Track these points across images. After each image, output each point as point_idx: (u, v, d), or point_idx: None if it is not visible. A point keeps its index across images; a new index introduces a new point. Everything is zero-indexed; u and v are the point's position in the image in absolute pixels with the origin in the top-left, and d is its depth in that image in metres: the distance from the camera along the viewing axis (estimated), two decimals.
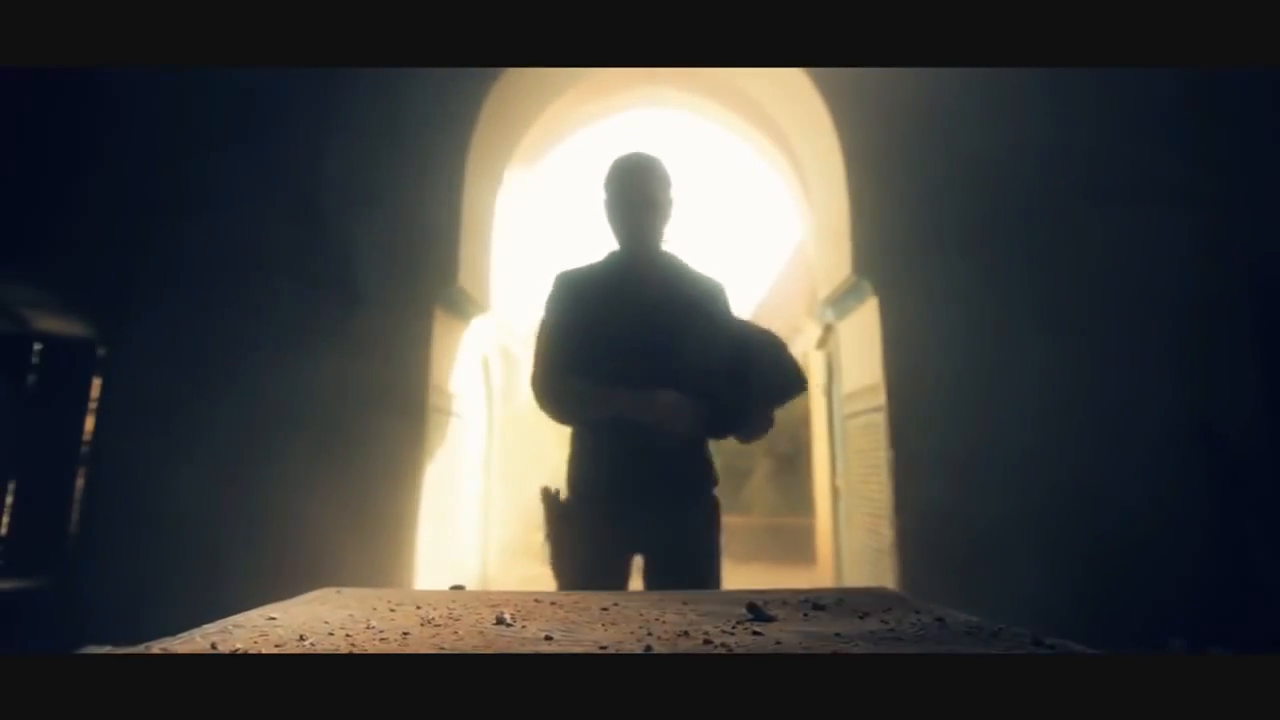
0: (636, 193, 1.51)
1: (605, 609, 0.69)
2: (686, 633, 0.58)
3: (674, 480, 1.47)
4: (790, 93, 3.35)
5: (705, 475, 1.53)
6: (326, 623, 0.60)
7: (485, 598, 0.78)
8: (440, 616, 0.64)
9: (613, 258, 1.59)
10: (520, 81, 3.31)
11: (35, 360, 3.33)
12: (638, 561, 1.51)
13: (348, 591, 0.79)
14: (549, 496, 1.47)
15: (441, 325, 3.11)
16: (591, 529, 1.43)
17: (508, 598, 0.76)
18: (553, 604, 0.71)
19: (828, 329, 4.07)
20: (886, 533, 2.83)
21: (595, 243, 1.84)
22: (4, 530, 3.17)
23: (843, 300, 3.31)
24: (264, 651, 0.52)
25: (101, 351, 3.05)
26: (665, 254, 1.59)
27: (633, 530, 1.45)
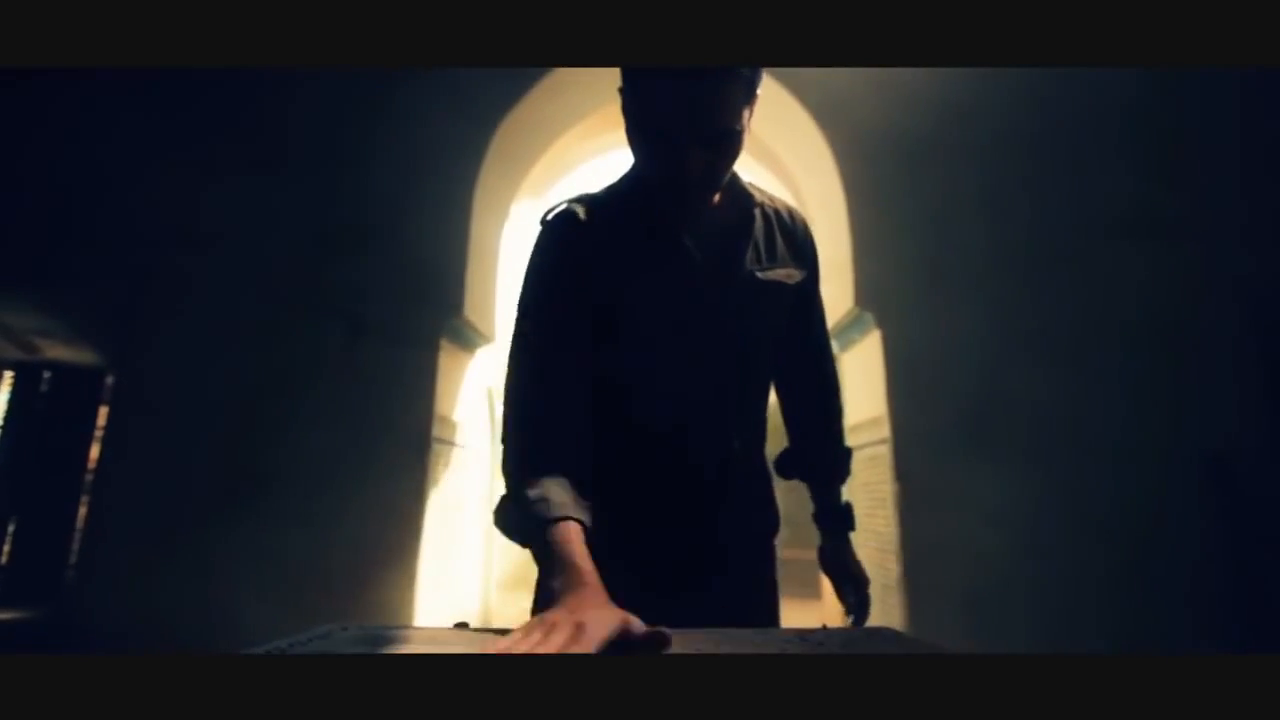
0: (688, 124, 0.79)
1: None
2: None
3: (727, 530, 0.95)
4: (790, 126, 3.41)
5: (770, 522, 1.04)
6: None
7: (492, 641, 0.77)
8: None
9: (636, 184, 0.95)
10: (528, 115, 3.38)
11: (44, 388, 3.35)
12: None
13: (354, 629, 0.78)
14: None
15: (447, 357, 3.13)
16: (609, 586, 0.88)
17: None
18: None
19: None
20: (893, 567, 2.80)
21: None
22: (4, 559, 3.16)
23: (845, 332, 3.33)
24: None
25: (109, 380, 3.08)
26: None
27: (663, 593, 0.85)
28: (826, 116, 3.16)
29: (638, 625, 0.61)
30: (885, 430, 2.89)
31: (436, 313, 3.06)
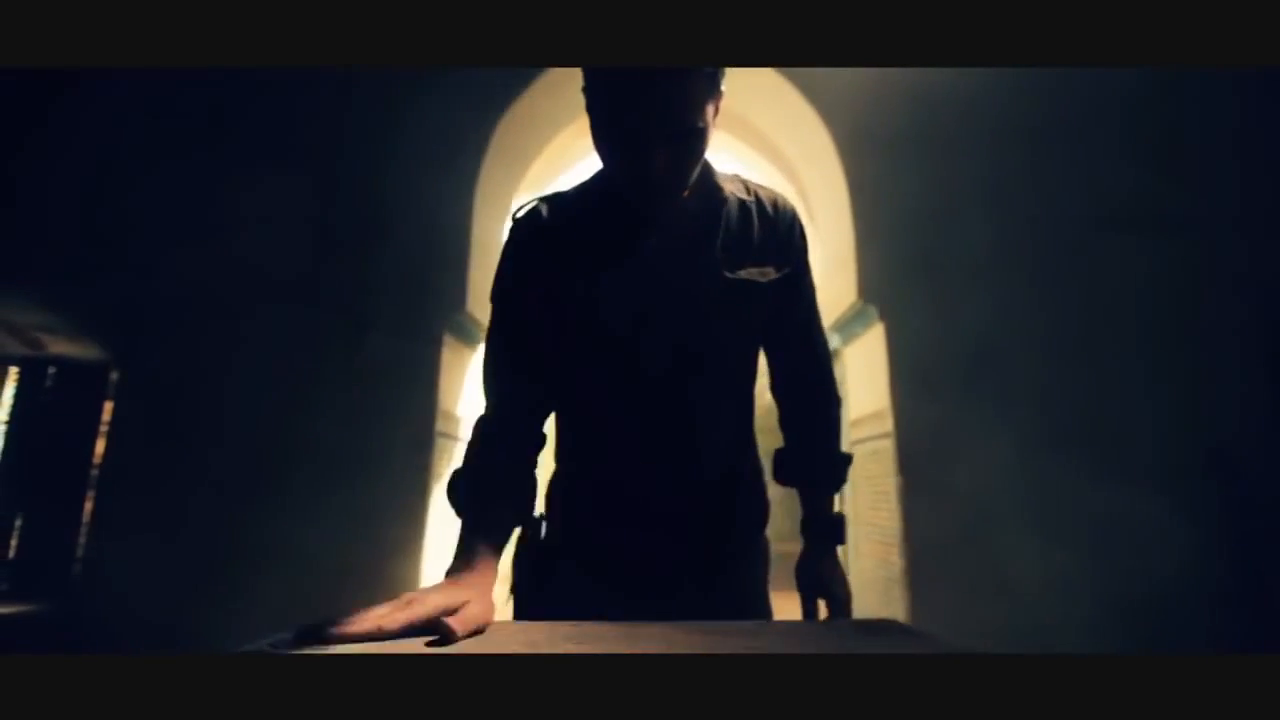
0: (648, 120, 0.78)
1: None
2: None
3: (715, 521, 0.93)
4: (793, 120, 3.40)
5: (762, 506, 1.02)
6: (346, 649, 0.60)
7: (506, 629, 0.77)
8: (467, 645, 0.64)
9: (605, 182, 0.95)
10: (529, 111, 3.38)
11: (49, 383, 3.36)
12: None
13: None
14: (522, 539, 0.98)
15: (450, 351, 3.13)
16: (579, 588, 0.91)
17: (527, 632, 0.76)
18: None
19: (834, 355, 4.07)
20: (896, 561, 2.80)
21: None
22: (12, 554, 3.18)
23: (848, 326, 3.32)
24: None
25: (114, 375, 3.09)
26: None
27: (646, 593, 0.88)
28: (830, 110, 3.15)
29: (454, 617, 0.65)
30: (888, 424, 2.88)
31: (440, 308, 3.07)
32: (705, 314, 0.90)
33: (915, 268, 2.97)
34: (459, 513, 0.83)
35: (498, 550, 0.80)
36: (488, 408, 0.93)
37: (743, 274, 0.92)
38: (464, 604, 0.68)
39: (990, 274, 2.93)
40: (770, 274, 0.94)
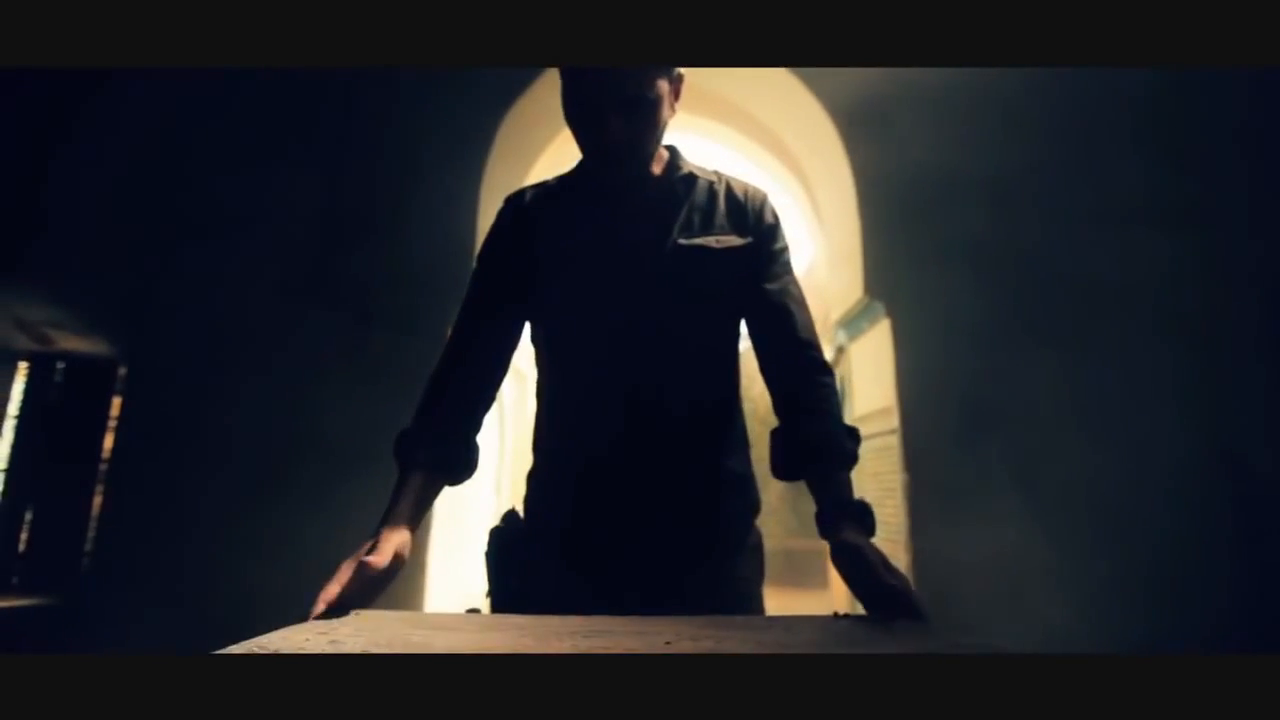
0: (602, 89, 0.88)
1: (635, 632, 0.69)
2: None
3: (702, 514, 0.94)
4: (799, 115, 3.38)
5: (748, 503, 1.00)
6: (350, 645, 0.61)
7: (510, 623, 0.78)
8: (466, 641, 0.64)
9: (580, 169, 1.05)
10: (535, 105, 3.37)
11: (57, 378, 3.38)
12: None
13: (365, 614, 0.79)
14: (500, 528, 0.99)
15: None
16: (558, 582, 0.91)
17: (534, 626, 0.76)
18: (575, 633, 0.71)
19: (839, 351, 4.06)
20: (902, 557, 2.79)
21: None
22: (22, 547, 3.20)
23: (855, 322, 3.31)
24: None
25: (122, 370, 3.10)
26: (668, 155, 1.04)
27: (625, 587, 0.89)
28: (835, 104, 3.13)
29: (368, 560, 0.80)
30: (894, 420, 2.87)
31: (444, 303, 3.07)
32: (667, 281, 0.95)
33: (922, 264, 2.96)
34: (398, 468, 0.92)
35: (419, 508, 0.91)
36: (445, 357, 0.99)
37: (697, 240, 0.98)
38: (371, 547, 0.82)
39: (998, 269, 2.91)
40: (730, 242, 0.99)
